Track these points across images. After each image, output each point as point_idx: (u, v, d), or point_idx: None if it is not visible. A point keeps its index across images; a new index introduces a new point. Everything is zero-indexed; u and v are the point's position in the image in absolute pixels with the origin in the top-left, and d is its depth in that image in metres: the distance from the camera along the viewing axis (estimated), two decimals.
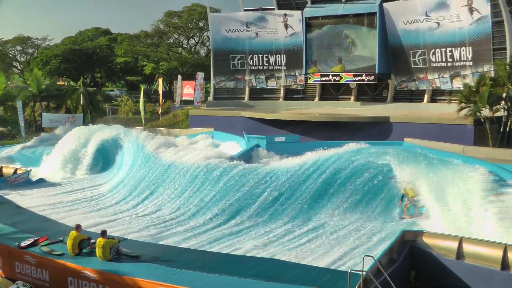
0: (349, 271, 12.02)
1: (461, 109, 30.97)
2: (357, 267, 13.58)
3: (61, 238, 16.80)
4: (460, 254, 13.56)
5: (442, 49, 37.46)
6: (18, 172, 31.69)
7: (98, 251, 15.18)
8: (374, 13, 39.73)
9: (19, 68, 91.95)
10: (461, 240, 13.71)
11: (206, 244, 19.73)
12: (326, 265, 16.73)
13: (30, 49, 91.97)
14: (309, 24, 43.28)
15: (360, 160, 24.44)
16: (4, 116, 50.66)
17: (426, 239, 14.30)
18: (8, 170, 32.83)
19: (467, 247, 13.56)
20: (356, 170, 24.01)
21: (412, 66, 39.18)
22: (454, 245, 13.67)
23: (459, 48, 36.55)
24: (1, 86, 49.96)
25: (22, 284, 15.73)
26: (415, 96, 40.48)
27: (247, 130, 34.96)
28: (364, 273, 11.73)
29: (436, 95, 39.31)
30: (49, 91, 51.70)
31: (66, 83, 77.80)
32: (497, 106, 30.81)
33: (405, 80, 39.96)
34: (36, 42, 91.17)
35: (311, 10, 43.14)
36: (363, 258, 12.04)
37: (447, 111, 33.43)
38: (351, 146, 26.03)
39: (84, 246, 15.82)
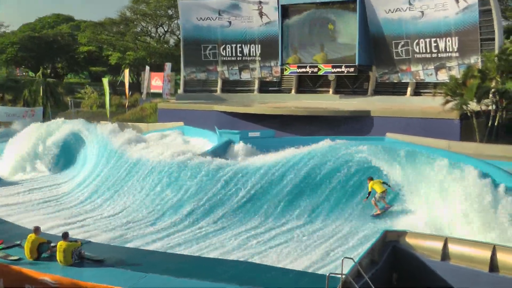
0: (327, 274, 12.02)
1: (447, 102, 31.28)
2: (336, 270, 13.60)
3: (18, 242, 16.51)
4: (445, 255, 13.59)
5: (426, 40, 37.77)
6: None
7: (59, 256, 14.96)
8: (354, 1, 39.84)
9: None
10: (446, 240, 13.74)
11: (176, 246, 19.63)
12: (304, 268, 16.74)
13: None
14: (285, 12, 43.25)
15: (339, 157, 24.46)
16: None
17: (410, 240, 14.32)
18: None
19: (452, 248, 13.58)
20: (334, 168, 24.01)
21: (395, 58, 39.43)
22: (439, 245, 13.69)
23: (444, 39, 36.90)
24: None
25: None
26: (397, 89, 40.74)
27: (219, 125, 34.84)
28: (343, 276, 11.73)
29: (420, 88, 39.62)
30: (5, 82, 50.90)
31: (24, 74, 76.72)
32: (486, 99, 31.11)
33: (387, 72, 40.22)
34: None
35: None
36: (342, 260, 12.04)
37: (432, 104, 33.76)
38: (329, 142, 26.03)
39: (43, 250, 15.58)
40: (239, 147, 30.10)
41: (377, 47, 40.12)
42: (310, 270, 16.41)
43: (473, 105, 30.80)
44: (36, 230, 15.95)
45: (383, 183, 22.11)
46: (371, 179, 22.22)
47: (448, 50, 36.81)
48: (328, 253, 18.61)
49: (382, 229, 15.92)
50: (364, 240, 19.51)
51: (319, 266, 17.19)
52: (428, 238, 14.38)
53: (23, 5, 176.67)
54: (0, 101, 52.31)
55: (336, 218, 22.26)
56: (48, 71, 75.45)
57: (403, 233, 14.69)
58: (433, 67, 37.86)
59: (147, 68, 52.58)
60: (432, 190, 20.69)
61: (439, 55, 37.31)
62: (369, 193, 22.08)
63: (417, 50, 38.30)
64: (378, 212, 22.11)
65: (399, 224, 20.31)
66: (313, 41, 42.60)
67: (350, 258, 12.32)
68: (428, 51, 37.74)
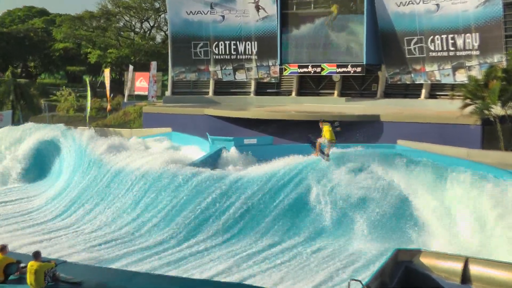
0: None
1: (466, 106, 31.13)
2: None
3: None
4: (466, 277, 13.48)
5: (442, 36, 37.71)
6: None
7: (29, 278, 14.85)
8: None
9: None
10: (467, 261, 13.64)
11: (162, 266, 19.64)
12: None
13: None
14: (284, 4, 43.23)
15: (345, 167, 24.47)
16: None
17: (425, 260, 14.23)
18: None
19: (474, 269, 13.47)
20: (340, 179, 24.01)
21: (407, 56, 39.40)
22: (458, 266, 13.60)
23: (463, 35, 36.83)
24: None
25: None
26: (410, 91, 40.73)
27: (211, 131, 34.78)
28: None
29: (436, 90, 39.59)
30: None
31: None
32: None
33: (399, 72, 40.19)
34: None
35: None
36: (349, 282, 11.99)
37: (449, 108, 33.66)
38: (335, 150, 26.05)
39: (11, 271, 15.49)
40: (234, 155, 30.04)
41: (387, 44, 40.08)
42: None
43: (497, 109, 30.66)
44: (3, 248, 15.84)
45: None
46: (325, 122, 24.50)
47: (467, 47, 36.76)
48: (333, 274, 18.55)
49: (394, 248, 15.86)
50: (373, 260, 19.45)
51: None
52: (446, 258, 14.26)
53: None
54: None
55: (341, 235, 22.19)
56: (19, 70, 75.48)
57: (417, 252, 14.60)
58: (450, 67, 37.80)
59: (131, 67, 52.57)
60: (455, 205, 20.71)
61: (457, 53, 37.25)
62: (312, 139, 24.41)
63: (432, 48, 38.26)
64: (316, 154, 24.50)
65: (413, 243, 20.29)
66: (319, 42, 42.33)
67: (358, 281, 12.25)
68: (445, 48, 37.65)
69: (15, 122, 44.11)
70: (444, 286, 13.59)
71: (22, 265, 15.50)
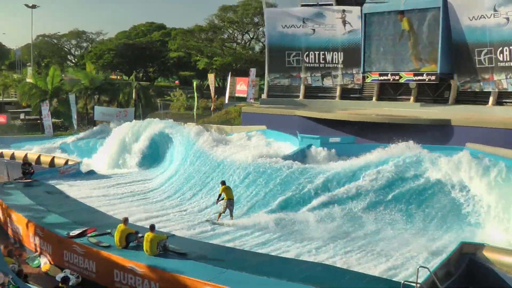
0: (402, 281, 11.74)
1: None
2: (411, 279, 13.25)
3: (109, 231, 17.24)
4: None
5: (511, 48, 36.17)
6: (69, 163, 32.60)
7: (145, 245, 15.41)
8: (438, 8, 38.65)
9: (73, 61, 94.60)
10: None
11: (255, 245, 19.67)
12: (378, 274, 16.33)
13: (84, 43, 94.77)
14: (368, 20, 42.53)
15: (420, 165, 23.89)
16: (58, 108, 52.17)
17: (488, 254, 13.66)
18: (59, 160, 33.96)
19: None
20: (415, 176, 23.46)
21: (477, 66, 37.99)
22: None
23: None
24: (56, 79, 51.57)
25: (70, 272, 16.19)
26: (479, 98, 39.25)
27: (301, 130, 34.77)
28: (418, 285, 11.42)
29: (503, 97, 38.01)
30: (102, 84, 52.85)
31: (118, 77, 79.61)
32: None
33: (469, 80, 38.81)
34: (90, 36, 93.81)
35: (370, 6, 42.41)
36: (418, 269, 11.74)
37: None
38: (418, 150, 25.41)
39: (131, 239, 16.13)
40: (320, 151, 29.91)
41: (459, 55, 38.77)
42: (385, 277, 16.02)
43: None
44: (125, 221, 16.55)
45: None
46: (224, 183, 22.88)
47: None
48: (404, 261, 18.05)
49: (459, 241, 15.38)
50: (440, 252, 18.78)
51: (394, 273, 16.69)
52: (508, 253, 13.64)
53: (120, 13, 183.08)
54: (97, 102, 54.42)
55: (413, 226, 21.61)
56: (141, 75, 77.95)
57: (480, 246, 14.07)
58: None
59: (230, 74, 53.38)
60: None
61: None
62: (220, 195, 22.56)
63: (500, 59, 36.71)
64: (218, 220, 22.48)
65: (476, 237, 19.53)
66: (399, 52, 41.27)
67: (426, 268, 12.01)
68: None
69: (137, 117, 45.50)
70: (505, 280, 12.99)
71: (139, 235, 16.12)
